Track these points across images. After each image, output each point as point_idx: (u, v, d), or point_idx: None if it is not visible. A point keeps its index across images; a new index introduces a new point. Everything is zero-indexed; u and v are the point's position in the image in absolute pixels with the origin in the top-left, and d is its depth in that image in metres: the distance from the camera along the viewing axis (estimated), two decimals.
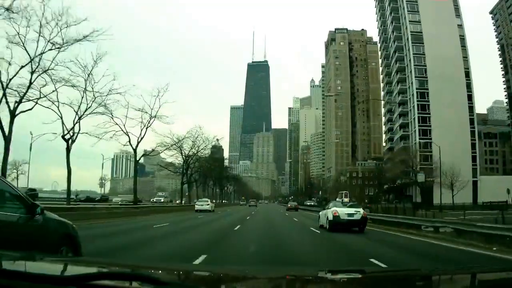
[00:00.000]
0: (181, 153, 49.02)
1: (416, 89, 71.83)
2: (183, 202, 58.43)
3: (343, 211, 17.44)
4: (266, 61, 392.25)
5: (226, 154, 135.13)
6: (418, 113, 71.87)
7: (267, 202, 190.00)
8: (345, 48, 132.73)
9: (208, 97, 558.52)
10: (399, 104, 78.73)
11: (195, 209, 40.70)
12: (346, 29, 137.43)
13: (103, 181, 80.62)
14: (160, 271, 2.34)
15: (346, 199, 43.79)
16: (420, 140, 66.39)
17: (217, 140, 65.30)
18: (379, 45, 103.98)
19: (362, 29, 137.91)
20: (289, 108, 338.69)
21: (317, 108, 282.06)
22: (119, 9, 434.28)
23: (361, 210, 17.96)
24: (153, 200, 65.86)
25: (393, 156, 77.25)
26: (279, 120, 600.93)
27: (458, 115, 67.74)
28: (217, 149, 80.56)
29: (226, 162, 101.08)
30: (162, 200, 63.54)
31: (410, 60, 74.30)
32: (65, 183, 31.96)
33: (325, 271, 2.56)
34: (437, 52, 68.75)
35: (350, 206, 18.95)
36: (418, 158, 57.38)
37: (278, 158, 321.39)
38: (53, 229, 4.74)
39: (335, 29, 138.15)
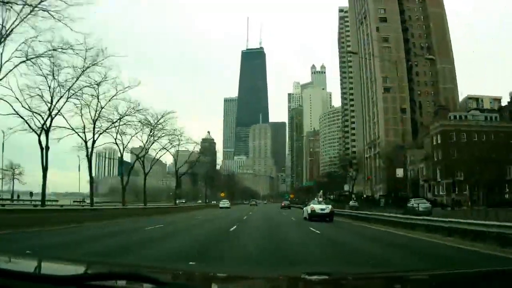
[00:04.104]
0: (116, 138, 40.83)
1: None
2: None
3: (318, 207, 25.93)
4: (261, 48, 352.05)
5: (221, 154, 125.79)
6: None
7: (266, 202, 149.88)
8: None
9: (200, 90, 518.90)
10: None
11: (220, 206, 58.05)
12: None
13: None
14: (159, 271, 2.40)
15: (320, 199, 50.08)
16: None
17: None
18: None
19: None
20: (289, 94, 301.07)
21: (323, 88, 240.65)
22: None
23: (330, 206, 26.53)
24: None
25: None
26: (276, 114, 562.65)
27: None
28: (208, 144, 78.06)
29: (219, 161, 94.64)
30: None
31: None
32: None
33: (307, 273, 2.53)
34: None
35: (323, 204, 28.10)
36: None
37: (277, 154, 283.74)
38: None
39: None
